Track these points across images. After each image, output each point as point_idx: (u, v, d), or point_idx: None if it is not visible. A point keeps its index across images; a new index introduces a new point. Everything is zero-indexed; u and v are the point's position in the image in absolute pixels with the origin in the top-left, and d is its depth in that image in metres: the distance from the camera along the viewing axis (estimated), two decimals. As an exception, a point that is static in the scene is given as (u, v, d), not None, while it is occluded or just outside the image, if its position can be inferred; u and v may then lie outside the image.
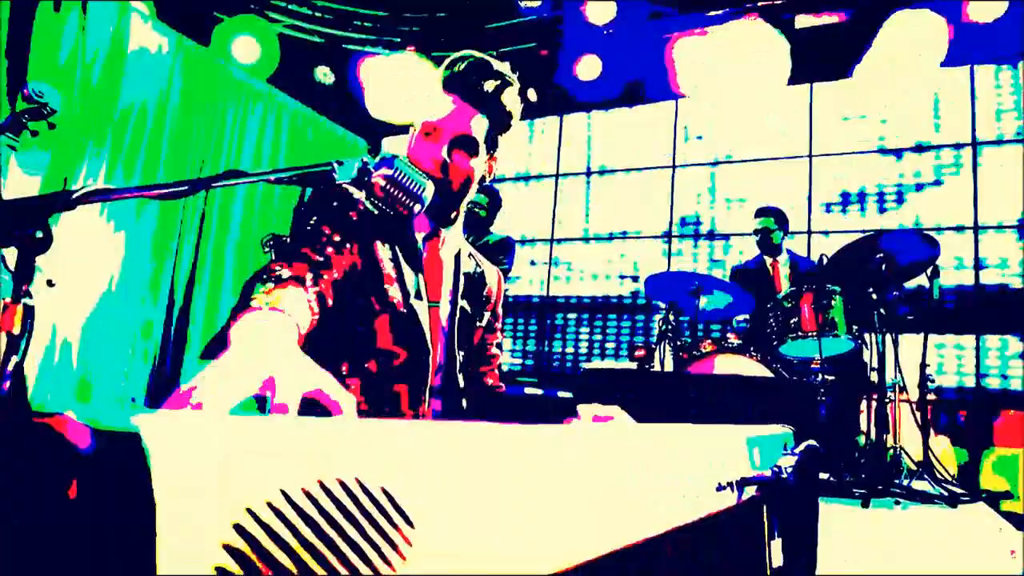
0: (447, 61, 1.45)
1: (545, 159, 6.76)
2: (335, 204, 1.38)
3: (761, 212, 4.25)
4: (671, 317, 3.71)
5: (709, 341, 3.61)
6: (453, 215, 1.49)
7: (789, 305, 3.25)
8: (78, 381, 4.67)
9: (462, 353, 1.46)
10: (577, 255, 6.48)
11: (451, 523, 0.41)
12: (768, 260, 4.23)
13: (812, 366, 3.30)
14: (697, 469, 0.83)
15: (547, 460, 0.52)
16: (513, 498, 0.47)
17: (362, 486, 0.35)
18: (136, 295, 5.16)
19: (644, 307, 6.08)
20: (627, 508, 0.63)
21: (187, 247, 5.56)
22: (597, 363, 5.92)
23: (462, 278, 1.51)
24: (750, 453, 1.05)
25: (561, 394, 0.70)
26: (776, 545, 1.23)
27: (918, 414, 3.47)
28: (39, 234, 0.80)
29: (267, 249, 3.82)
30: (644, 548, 0.62)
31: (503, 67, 1.45)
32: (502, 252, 4.12)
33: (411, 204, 1.21)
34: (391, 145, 7.12)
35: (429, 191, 1.22)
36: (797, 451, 1.27)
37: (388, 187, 1.18)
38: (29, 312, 0.80)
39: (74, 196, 0.83)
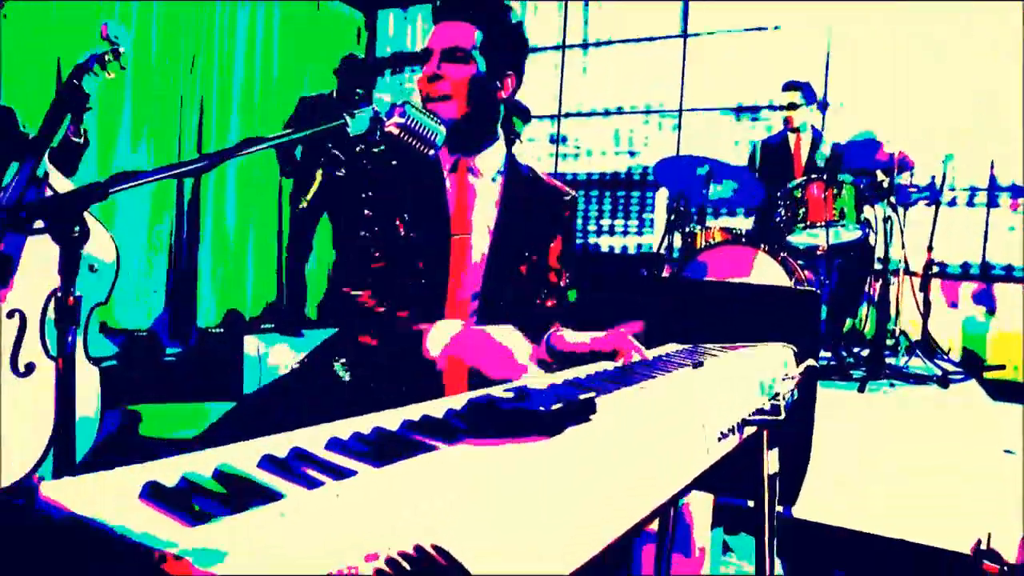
0: None
1: (548, 31, 6.44)
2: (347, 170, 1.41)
3: (789, 86, 4.11)
4: (680, 204, 3.72)
5: (720, 229, 3.63)
6: (476, 140, 1.46)
7: (799, 195, 3.24)
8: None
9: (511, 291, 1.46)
10: (583, 131, 6.34)
11: (500, 549, 0.49)
12: (792, 137, 4.14)
13: (818, 253, 3.35)
14: (708, 417, 0.91)
15: (568, 462, 0.59)
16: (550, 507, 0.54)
17: (420, 549, 0.42)
18: (147, 193, 5.19)
19: (653, 183, 6.01)
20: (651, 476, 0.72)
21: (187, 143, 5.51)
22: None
23: (501, 207, 1.47)
24: (750, 390, 1.12)
25: (582, 397, 0.75)
26: (772, 455, 1.34)
27: (920, 295, 3.56)
28: (77, 229, 0.84)
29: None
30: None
31: None
32: (515, 113, 3.92)
33: (425, 149, 1.22)
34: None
35: (441, 135, 1.23)
36: (796, 374, 1.36)
37: (401, 134, 1.19)
38: (78, 303, 0.86)
39: (107, 188, 0.86)
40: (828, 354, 3.41)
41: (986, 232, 4.47)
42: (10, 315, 2.32)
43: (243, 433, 1.24)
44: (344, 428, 0.67)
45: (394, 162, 1.44)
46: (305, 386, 1.37)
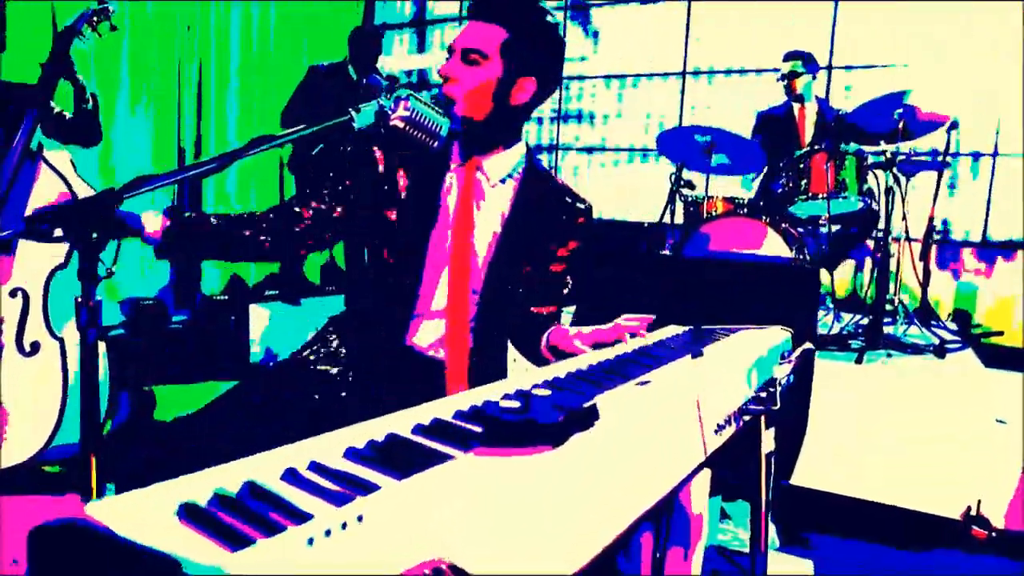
0: None
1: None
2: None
3: (790, 56, 4.06)
4: (682, 174, 3.72)
5: (722, 199, 3.64)
6: (486, 142, 1.46)
7: (802, 165, 3.24)
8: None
9: (514, 290, 1.48)
10: (586, 96, 6.27)
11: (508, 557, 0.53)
12: (796, 107, 4.11)
13: (820, 223, 3.36)
14: (706, 410, 0.95)
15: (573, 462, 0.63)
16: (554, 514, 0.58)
17: (438, 571, 0.46)
18: (147, 159, 5.19)
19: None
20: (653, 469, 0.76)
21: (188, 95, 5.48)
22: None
23: (512, 209, 1.48)
24: (748, 379, 1.16)
25: (586, 405, 0.78)
26: (768, 434, 1.39)
27: (920, 264, 3.58)
28: (95, 235, 0.87)
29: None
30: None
31: None
32: None
33: (429, 141, 1.24)
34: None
35: (445, 127, 1.24)
36: (793, 359, 1.40)
37: (407, 127, 1.21)
38: (98, 307, 0.89)
39: (122, 194, 0.88)
40: (827, 318, 3.45)
41: (989, 198, 4.47)
42: (12, 294, 2.33)
43: (250, 413, 1.27)
44: (358, 434, 0.70)
45: (401, 152, 1.46)
46: (305, 374, 1.40)
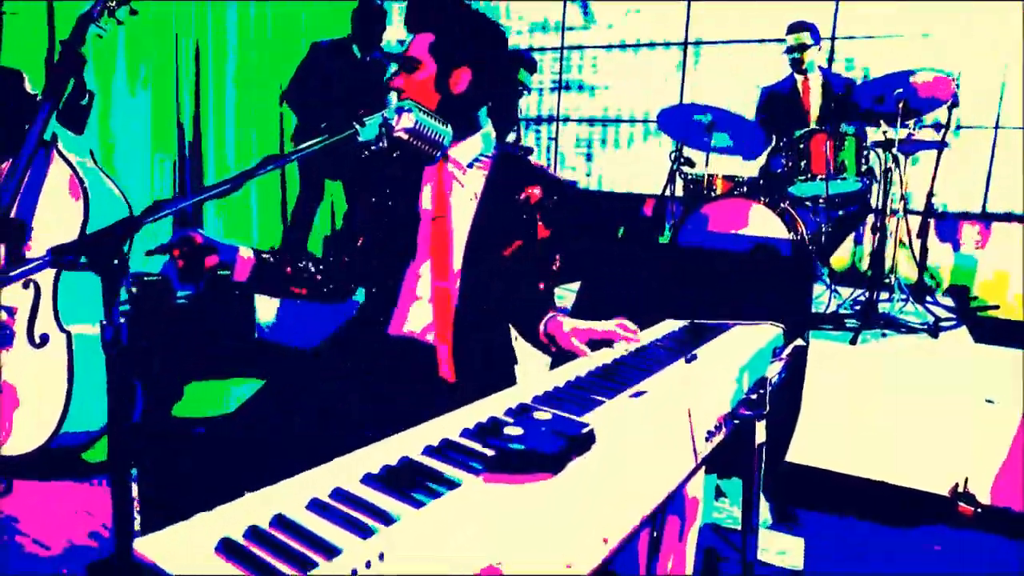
0: None
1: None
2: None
3: (795, 27, 4.00)
4: (682, 153, 3.73)
5: (722, 177, 3.65)
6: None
7: (801, 146, 3.25)
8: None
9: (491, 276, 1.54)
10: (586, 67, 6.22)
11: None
12: (799, 79, 4.07)
13: (820, 202, 3.38)
14: (698, 418, 1.00)
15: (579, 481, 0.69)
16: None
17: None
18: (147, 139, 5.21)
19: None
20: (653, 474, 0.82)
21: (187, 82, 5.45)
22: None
23: (483, 192, 1.55)
24: (739, 380, 1.21)
25: (583, 418, 0.82)
26: (760, 426, 1.45)
27: (917, 241, 3.61)
28: (116, 262, 0.91)
29: None
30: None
31: None
32: (522, 65, 3.83)
33: (432, 150, 1.28)
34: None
35: (447, 137, 1.28)
36: (784, 356, 1.45)
37: (410, 139, 1.24)
38: (121, 329, 0.94)
39: (141, 220, 0.93)
40: (823, 296, 3.50)
41: (990, 171, 4.48)
42: (25, 285, 2.37)
43: (269, 419, 1.34)
44: (374, 456, 0.76)
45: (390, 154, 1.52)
46: (320, 375, 1.47)
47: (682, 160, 3.75)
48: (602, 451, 0.76)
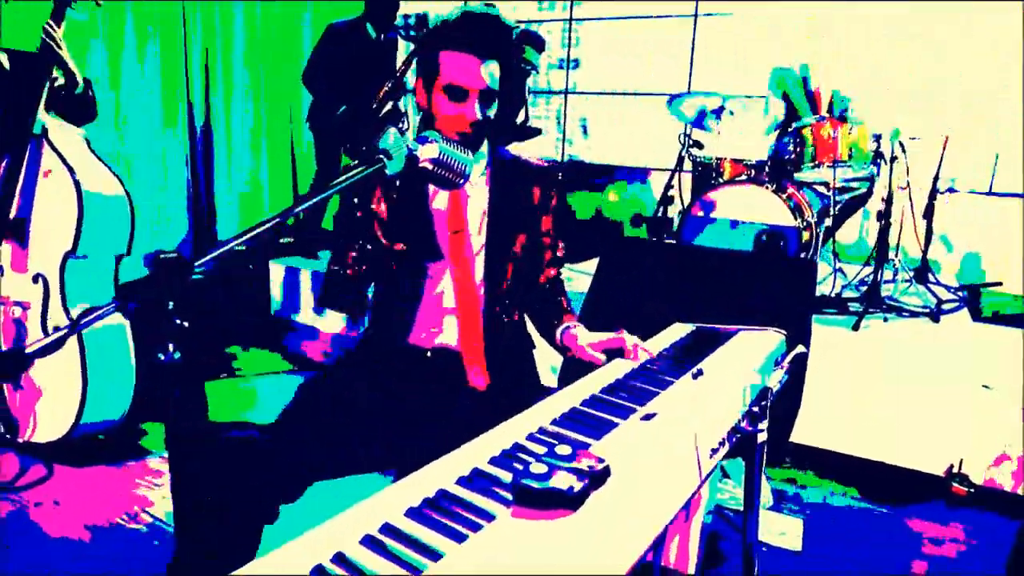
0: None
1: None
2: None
3: None
4: (691, 137, 3.76)
5: (731, 160, 3.69)
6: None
7: (809, 133, 3.28)
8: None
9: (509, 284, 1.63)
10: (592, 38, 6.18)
11: None
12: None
13: (827, 188, 3.42)
14: (703, 437, 1.09)
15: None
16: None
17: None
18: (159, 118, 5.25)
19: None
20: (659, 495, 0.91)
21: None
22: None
23: (490, 198, 1.62)
24: (743, 394, 1.30)
25: (598, 443, 0.89)
26: (762, 425, 1.54)
27: (922, 224, 3.66)
28: (171, 305, 1.00)
29: None
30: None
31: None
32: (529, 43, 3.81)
33: (456, 179, 1.35)
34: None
35: (470, 165, 1.35)
36: (786, 364, 1.53)
37: (435, 168, 1.31)
38: (177, 364, 1.03)
39: (192, 264, 1.02)
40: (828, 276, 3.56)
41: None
42: (35, 279, 2.46)
43: (301, 432, 1.43)
44: (412, 489, 0.86)
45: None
46: (349, 386, 1.56)
47: (691, 143, 3.79)
48: (616, 483, 0.86)
